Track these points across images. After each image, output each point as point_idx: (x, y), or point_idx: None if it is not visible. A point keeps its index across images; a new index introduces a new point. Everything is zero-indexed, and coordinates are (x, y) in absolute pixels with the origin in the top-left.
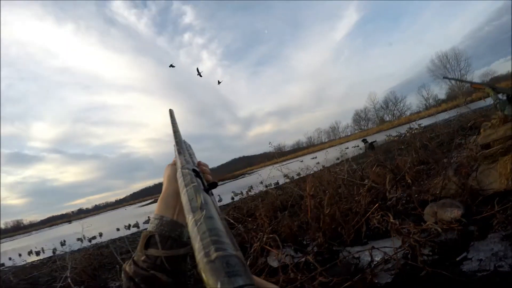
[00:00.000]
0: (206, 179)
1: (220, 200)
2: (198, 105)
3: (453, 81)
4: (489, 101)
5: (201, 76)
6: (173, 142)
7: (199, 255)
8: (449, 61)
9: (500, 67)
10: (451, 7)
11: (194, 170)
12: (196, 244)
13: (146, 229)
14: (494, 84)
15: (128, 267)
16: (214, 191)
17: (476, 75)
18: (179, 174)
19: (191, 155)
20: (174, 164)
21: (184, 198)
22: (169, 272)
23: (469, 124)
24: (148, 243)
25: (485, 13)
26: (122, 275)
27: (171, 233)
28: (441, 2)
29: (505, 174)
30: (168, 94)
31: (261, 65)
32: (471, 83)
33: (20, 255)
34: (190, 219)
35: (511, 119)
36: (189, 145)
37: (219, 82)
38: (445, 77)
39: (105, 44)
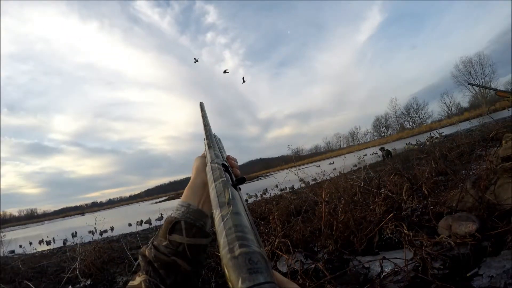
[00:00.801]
0: (235, 173)
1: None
2: (219, 105)
3: (477, 89)
4: None
5: (244, 81)
6: (204, 136)
7: (223, 251)
8: (473, 67)
9: None
10: (476, 8)
11: (223, 165)
12: (221, 240)
13: (171, 215)
14: None
15: (147, 251)
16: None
17: (501, 82)
18: (208, 168)
19: (221, 149)
20: (203, 156)
21: (212, 193)
22: (189, 260)
23: (490, 135)
24: (173, 228)
25: (509, 17)
26: (140, 259)
27: (196, 222)
28: (467, 2)
29: None
30: (190, 92)
31: (283, 66)
32: (496, 90)
33: (31, 243)
34: (217, 214)
35: None
36: (219, 139)
37: (243, 80)
38: (469, 83)
39: (128, 41)
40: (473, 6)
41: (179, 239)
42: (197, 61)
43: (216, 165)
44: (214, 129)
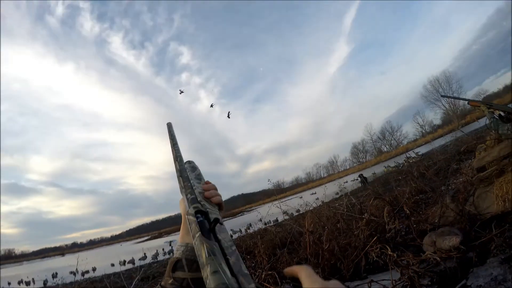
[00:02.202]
0: (215, 202)
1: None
2: (197, 143)
3: (447, 105)
4: (482, 122)
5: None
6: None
7: None
8: (441, 85)
9: (491, 85)
10: (438, 30)
11: (197, 212)
12: None
13: (156, 262)
14: (490, 101)
15: None
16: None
17: (468, 96)
18: (186, 221)
19: (197, 177)
20: None
21: (195, 251)
22: None
23: (462, 149)
24: (175, 267)
25: (471, 32)
26: None
27: (196, 258)
28: (426, 26)
29: (502, 195)
30: (167, 132)
31: (258, 102)
32: (468, 100)
33: (9, 283)
34: (203, 276)
35: (505, 138)
36: (193, 166)
37: (228, 116)
38: (443, 96)
39: (104, 83)
40: (434, 27)
41: (182, 275)
42: (182, 92)
43: (191, 217)
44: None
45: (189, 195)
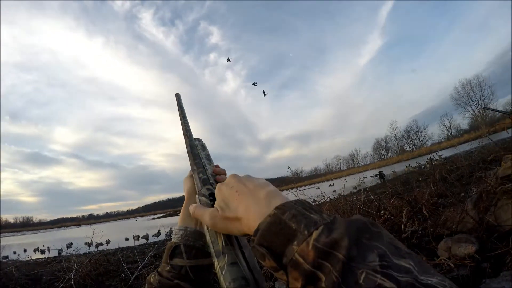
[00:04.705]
0: None
1: None
2: (219, 124)
3: (476, 110)
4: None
5: (265, 94)
6: (186, 147)
7: None
8: (472, 89)
9: None
10: (475, 32)
11: (210, 194)
12: None
13: (169, 240)
14: None
15: (152, 278)
16: None
17: (500, 104)
18: (197, 201)
19: (207, 157)
20: (191, 175)
21: (206, 235)
22: (193, 281)
23: (489, 158)
24: (174, 253)
25: (509, 38)
26: (146, 287)
27: (196, 243)
28: (464, 28)
29: None
30: (191, 111)
31: (284, 88)
32: (510, 114)
33: (25, 250)
34: (216, 265)
35: None
36: (203, 144)
37: (264, 93)
38: (485, 108)
39: (132, 58)
40: (471, 29)
41: (180, 262)
42: (229, 60)
43: (204, 198)
44: (214, 148)
45: (201, 175)
